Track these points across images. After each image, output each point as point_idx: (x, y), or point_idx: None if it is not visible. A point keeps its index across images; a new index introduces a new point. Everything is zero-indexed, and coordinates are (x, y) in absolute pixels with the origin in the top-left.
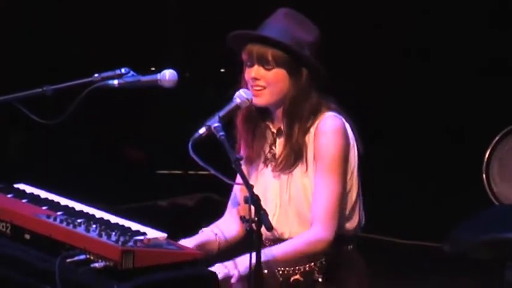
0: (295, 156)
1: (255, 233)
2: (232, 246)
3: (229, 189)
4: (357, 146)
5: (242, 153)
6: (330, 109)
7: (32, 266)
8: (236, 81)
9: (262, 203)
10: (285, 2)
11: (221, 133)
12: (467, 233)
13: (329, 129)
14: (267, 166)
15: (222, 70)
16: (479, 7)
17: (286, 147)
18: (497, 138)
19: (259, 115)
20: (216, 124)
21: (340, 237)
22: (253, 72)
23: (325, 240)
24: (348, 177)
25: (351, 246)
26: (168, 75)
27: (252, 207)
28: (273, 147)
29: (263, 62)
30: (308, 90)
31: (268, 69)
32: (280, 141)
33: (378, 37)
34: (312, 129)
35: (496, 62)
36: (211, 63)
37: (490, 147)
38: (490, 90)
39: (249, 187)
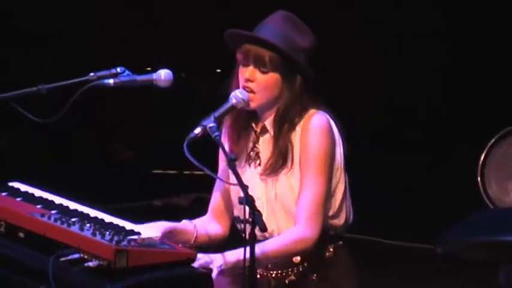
0: (283, 159)
1: (250, 234)
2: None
3: None
4: (343, 144)
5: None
6: (317, 108)
7: (25, 264)
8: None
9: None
10: (279, 5)
11: (216, 133)
12: (458, 235)
13: (315, 127)
14: (249, 165)
15: (218, 70)
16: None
17: (275, 151)
18: (493, 140)
19: (246, 115)
20: (212, 124)
21: (329, 235)
22: (247, 73)
23: (309, 238)
24: (333, 174)
25: (341, 242)
26: (163, 75)
27: (247, 208)
28: (256, 146)
29: (260, 64)
30: (301, 96)
31: (264, 72)
32: (263, 140)
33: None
34: (299, 128)
35: (495, 65)
36: (207, 64)
37: (486, 150)
38: (486, 92)
39: (244, 188)
